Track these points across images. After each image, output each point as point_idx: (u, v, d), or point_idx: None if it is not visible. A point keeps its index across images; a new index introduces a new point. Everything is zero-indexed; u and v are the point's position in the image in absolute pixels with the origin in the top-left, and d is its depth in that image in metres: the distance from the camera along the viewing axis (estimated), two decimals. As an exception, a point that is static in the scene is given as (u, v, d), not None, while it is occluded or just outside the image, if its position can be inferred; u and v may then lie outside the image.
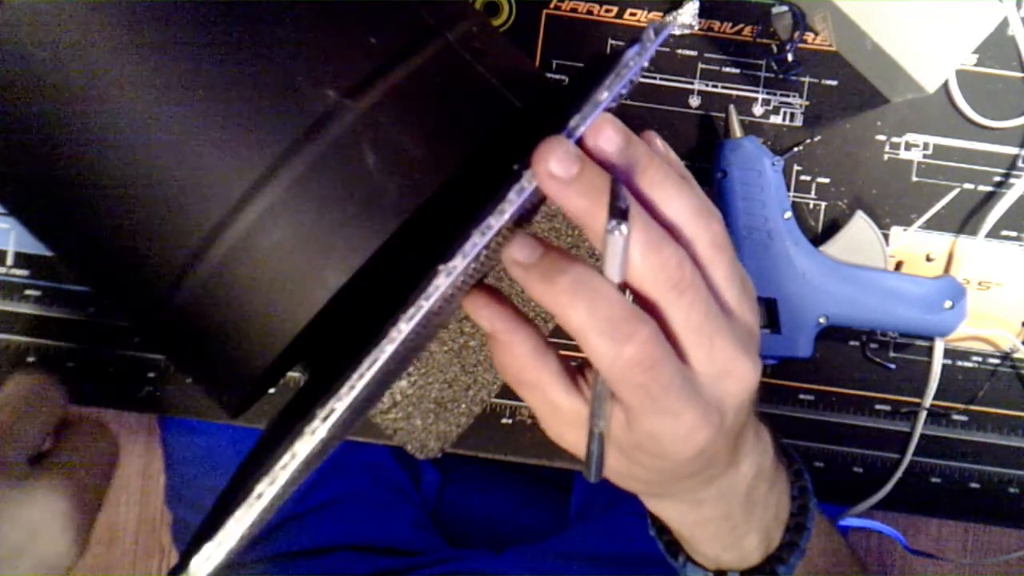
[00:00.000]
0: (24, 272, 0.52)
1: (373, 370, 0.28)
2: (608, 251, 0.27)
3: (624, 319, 0.27)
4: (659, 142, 0.29)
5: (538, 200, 0.32)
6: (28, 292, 0.52)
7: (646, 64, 0.33)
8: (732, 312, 0.30)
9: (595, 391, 0.29)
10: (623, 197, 0.26)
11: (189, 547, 0.28)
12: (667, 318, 0.28)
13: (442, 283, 0.27)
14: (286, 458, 0.28)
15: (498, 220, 0.28)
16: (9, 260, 0.52)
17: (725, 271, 0.30)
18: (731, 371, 0.29)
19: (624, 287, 0.28)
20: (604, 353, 0.27)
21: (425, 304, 0.27)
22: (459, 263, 0.28)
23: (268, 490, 0.28)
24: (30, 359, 0.52)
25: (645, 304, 0.28)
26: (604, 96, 0.29)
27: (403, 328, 0.28)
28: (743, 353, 0.29)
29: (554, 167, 0.26)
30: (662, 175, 0.28)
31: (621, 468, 0.32)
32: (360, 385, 0.28)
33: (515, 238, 0.29)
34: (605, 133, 0.27)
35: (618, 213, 0.26)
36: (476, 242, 0.28)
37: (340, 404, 0.28)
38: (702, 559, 0.40)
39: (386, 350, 0.28)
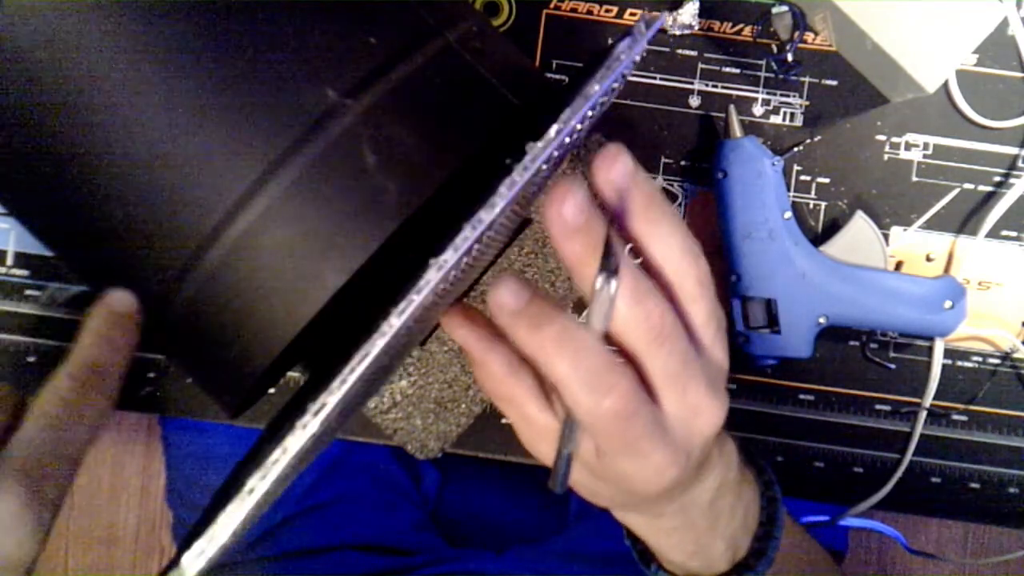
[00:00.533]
0: (24, 272, 0.52)
1: (364, 364, 0.28)
2: (595, 302, 0.28)
3: (605, 371, 0.28)
4: (630, 160, 0.30)
5: (536, 190, 0.32)
6: (28, 292, 0.52)
7: (638, 58, 0.33)
8: (706, 351, 0.32)
9: (565, 420, 0.30)
10: (615, 253, 0.27)
11: (182, 544, 0.28)
12: (645, 365, 0.30)
13: (433, 277, 0.27)
14: (277, 453, 0.28)
15: (489, 214, 0.28)
16: (9, 260, 0.52)
17: (706, 311, 0.31)
18: (701, 412, 0.31)
19: (606, 335, 0.29)
20: (584, 403, 0.28)
21: (416, 298, 0.27)
22: (450, 257, 0.27)
23: (259, 485, 0.28)
24: (30, 359, 0.52)
25: (625, 350, 0.30)
26: (595, 89, 0.29)
27: (394, 323, 0.27)
28: (713, 394, 0.31)
29: (568, 212, 0.27)
30: (659, 213, 0.29)
31: (588, 484, 0.34)
32: (351, 379, 0.28)
33: (503, 281, 0.30)
34: (618, 164, 0.28)
35: (609, 268, 0.27)
36: (467, 236, 0.28)
37: (331, 399, 0.28)
38: (670, 566, 0.41)
39: (377, 344, 0.28)
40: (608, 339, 0.29)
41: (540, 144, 0.28)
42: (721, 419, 0.32)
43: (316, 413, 0.28)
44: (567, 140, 0.31)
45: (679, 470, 0.31)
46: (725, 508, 0.38)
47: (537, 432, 0.32)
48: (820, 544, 0.69)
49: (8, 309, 0.52)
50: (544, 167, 0.30)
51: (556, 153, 0.31)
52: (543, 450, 0.33)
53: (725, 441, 0.39)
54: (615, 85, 0.32)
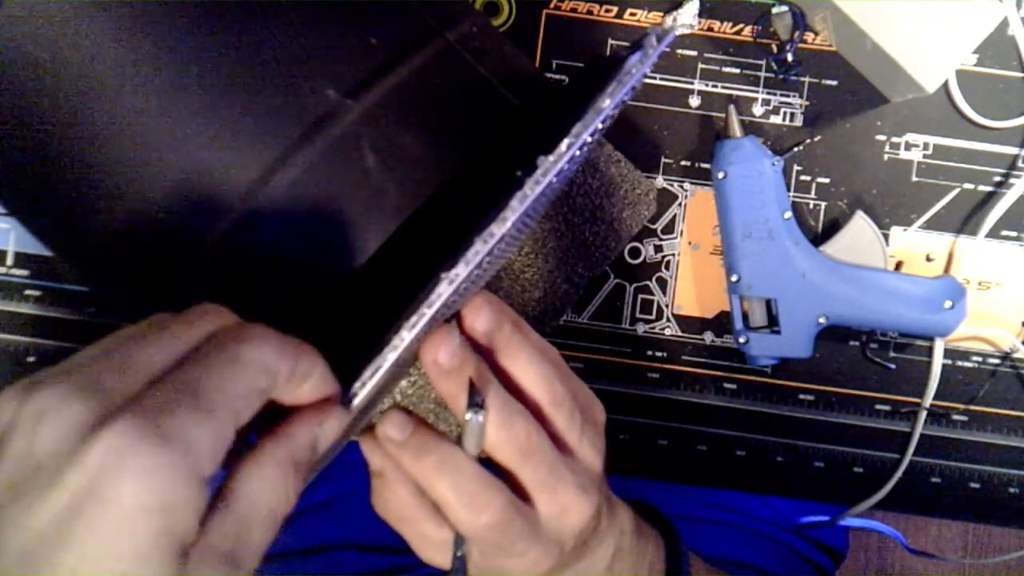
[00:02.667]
0: (24, 272, 0.52)
1: (376, 378, 0.28)
2: (467, 431, 0.33)
3: (481, 491, 0.33)
4: (491, 312, 0.34)
5: (545, 200, 0.32)
6: (28, 292, 0.52)
7: (648, 71, 0.33)
8: (574, 453, 0.37)
9: (455, 532, 0.35)
10: (479, 392, 0.32)
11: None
12: (518, 476, 0.35)
13: (444, 291, 0.28)
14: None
15: (500, 228, 0.28)
16: (9, 260, 0.52)
17: (565, 421, 0.36)
18: (569, 509, 0.36)
19: (483, 455, 0.34)
20: (464, 520, 0.34)
21: (428, 312, 0.28)
22: (462, 271, 0.28)
23: None
24: (30, 359, 0.52)
25: (501, 465, 0.35)
26: (607, 104, 0.29)
27: (405, 336, 0.28)
28: (580, 492, 0.36)
29: (442, 358, 0.31)
30: (517, 350, 0.35)
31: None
32: (363, 393, 0.28)
33: (388, 416, 0.35)
34: (481, 316, 0.33)
35: (475, 403, 0.32)
36: (479, 250, 0.28)
37: (345, 413, 0.28)
38: None
39: (389, 358, 0.28)
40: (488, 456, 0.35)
41: (551, 158, 0.29)
42: (588, 514, 0.36)
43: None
44: (577, 153, 0.31)
45: (554, 560, 0.36)
46: (625, 570, 0.42)
47: (433, 545, 0.37)
48: (819, 541, 0.69)
49: (8, 309, 0.52)
50: (555, 180, 0.30)
51: (567, 166, 0.31)
52: (438, 560, 0.37)
53: (617, 507, 0.42)
54: (625, 99, 0.33)
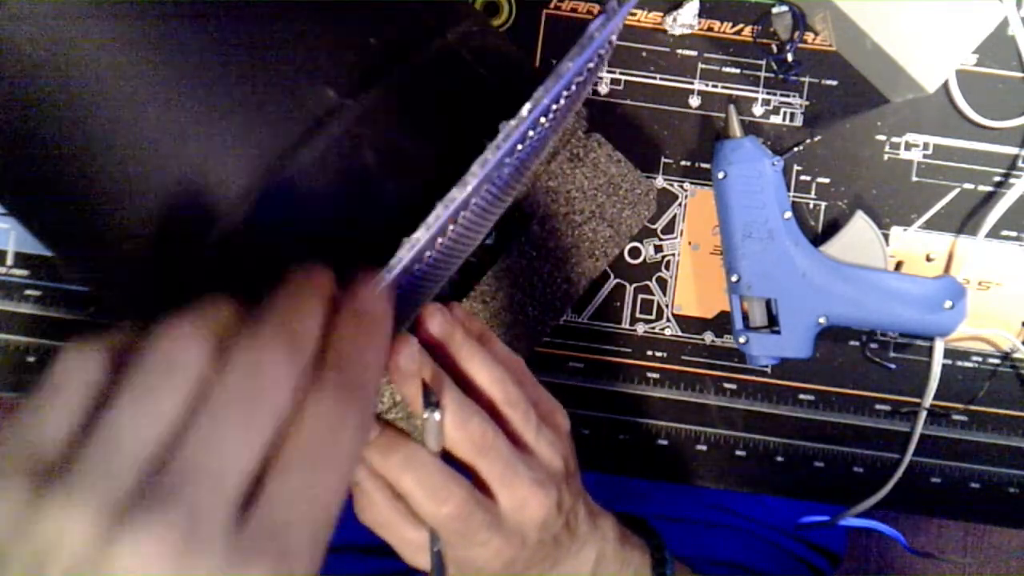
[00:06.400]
0: (24, 272, 0.52)
1: None
2: (426, 430, 0.36)
3: (443, 485, 0.36)
4: (459, 311, 0.38)
5: (517, 173, 0.32)
6: (28, 292, 0.52)
7: (614, 38, 0.33)
8: (531, 450, 0.39)
9: (430, 531, 0.38)
10: (433, 393, 0.35)
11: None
12: (478, 471, 0.37)
13: (404, 255, 0.28)
14: None
15: (461, 192, 0.28)
16: (9, 260, 0.52)
17: (520, 420, 0.39)
18: (528, 502, 0.38)
19: (444, 452, 0.37)
20: (428, 511, 0.36)
21: (388, 276, 0.28)
22: (421, 234, 0.28)
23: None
24: (30, 359, 0.52)
25: (462, 461, 0.37)
26: (568, 67, 0.29)
27: None
28: (537, 486, 0.38)
29: (401, 362, 0.33)
30: (469, 354, 0.38)
31: (452, 571, 0.41)
32: None
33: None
34: (433, 322, 0.36)
35: (429, 404, 0.35)
36: (439, 214, 0.28)
37: None
38: None
39: None
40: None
41: (513, 123, 0.29)
42: (547, 507, 0.38)
43: None
44: (543, 119, 0.31)
45: (515, 550, 0.39)
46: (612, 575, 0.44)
47: (413, 547, 0.39)
48: (817, 543, 0.69)
49: (8, 309, 0.52)
50: (520, 147, 0.30)
51: (532, 133, 0.31)
52: (421, 562, 0.39)
53: (599, 517, 0.44)
54: (590, 65, 0.32)
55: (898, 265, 0.52)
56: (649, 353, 0.53)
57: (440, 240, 0.29)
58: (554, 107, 0.31)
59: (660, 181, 0.52)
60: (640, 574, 0.45)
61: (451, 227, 0.29)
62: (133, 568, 0.20)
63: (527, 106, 0.29)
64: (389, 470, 0.37)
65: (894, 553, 1.19)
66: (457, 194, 0.28)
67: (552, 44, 0.52)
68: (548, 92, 0.29)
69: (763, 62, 0.51)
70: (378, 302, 0.27)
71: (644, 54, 0.51)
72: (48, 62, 0.30)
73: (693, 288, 0.52)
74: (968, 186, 0.52)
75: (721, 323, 0.52)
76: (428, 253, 0.29)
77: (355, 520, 0.68)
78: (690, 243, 0.52)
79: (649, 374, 0.53)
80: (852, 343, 0.52)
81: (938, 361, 0.52)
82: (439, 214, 0.28)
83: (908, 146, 0.52)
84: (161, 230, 0.31)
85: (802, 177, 0.52)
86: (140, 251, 0.32)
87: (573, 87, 0.32)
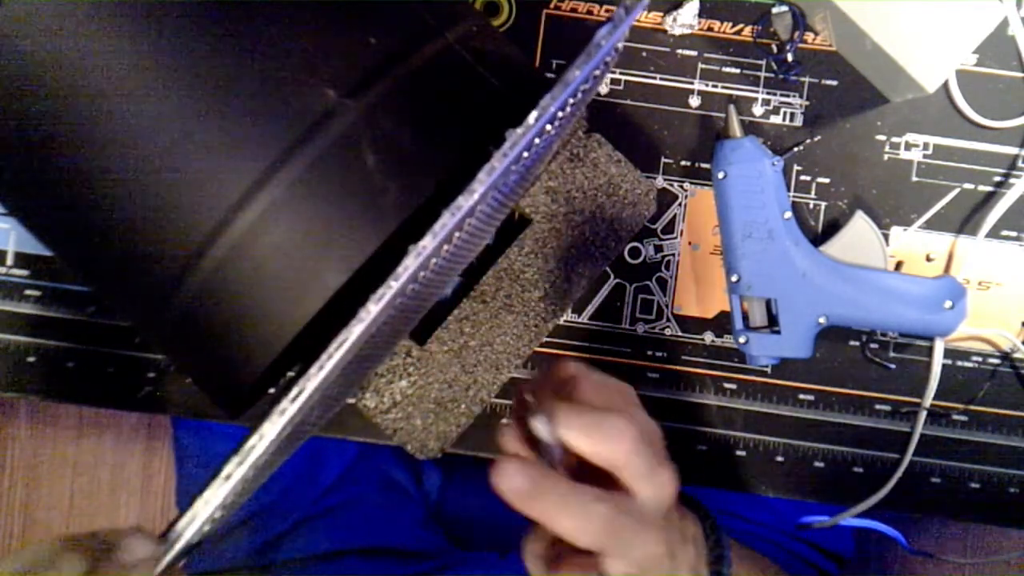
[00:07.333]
0: (24, 272, 0.52)
1: (342, 351, 0.28)
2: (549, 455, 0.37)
3: (587, 508, 0.37)
4: (572, 368, 0.40)
5: (523, 180, 0.32)
6: (28, 292, 0.52)
7: (620, 45, 0.33)
8: (645, 425, 0.40)
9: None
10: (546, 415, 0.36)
11: (165, 530, 0.31)
12: (622, 479, 0.38)
13: (411, 263, 0.27)
14: (254, 439, 0.28)
15: (468, 200, 0.28)
16: (9, 260, 0.52)
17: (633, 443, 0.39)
18: (666, 487, 0.39)
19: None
20: (581, 539, 0.37)
21: (394, 284, 0.27)
22: (428, 242, 0.28)
23: (236, 471, 0.28)
24: (30, 359, 0.52)
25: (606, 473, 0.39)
26: (575, 75, 0.29)
27: (372, 309, 0.27)
28: (667, 470, 0.39)
29: (505, 486, 0.36)
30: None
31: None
32: (329, 365, 0.28)
33: (504, 468, 0.37)
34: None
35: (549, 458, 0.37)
36: (445, 222, 0.28)
37: (309, 384, 0.28)
38: None
39: (355, 331, 0.28)
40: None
41: (519, 131, 0.29)
42: (677, 484, 0.40)
43: (294, 399, 0.28)
44: (549, 127, 0.31)
45: (664, 533, 0.40)
46: (675, 542, 0.44)
47: None
48: (822, 545, 0.69)
49: (8, 309, 0.52)
50: (526, 154, 0.30)
51: (538, 140, 0.31)
52: None
53: None
54: (596, 72, 0.32)
55: (898, 265, 0.52)
56: (649, 353, 0.53)
57: (446, 247, 0.29)
58: (560, 114, 0.31)
59: (660, 181, 0.52)
60: (699, 541, 0.46)
61: (457, 234, 0.29)
62: None
63: (534, 114, 0.29)
64: (544, 512, 0.37)
65: (894, 553, 1.19)
66: (464, 202, 0.28)
67: (552, 44, 0.52)
68: (555, 100, 0.29)
69: (763, 62, 0.51)
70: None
71: (644, 54, 0.51)
72: (48, 62, 0.30)
73: (693, 288, 0.52)
74: (968, 186, 0.52)
75: (721, 323, 0.52)
76: (434, 260, 0.29)
77: (359, 526, 0.68)
78: (690, 243, 0.52)
79: (649, 374, 0.53)
80: (852, 343, 0.52)
81: (938, 361, 0.52)
82: (445, 222, 0.28)
83: (908, 146, 0.52)
84: (160, 228, 0.31)
85: (802, 177, 0.52)
86: (139, 249, 0.32)
87: (579, 94, 0.32)
